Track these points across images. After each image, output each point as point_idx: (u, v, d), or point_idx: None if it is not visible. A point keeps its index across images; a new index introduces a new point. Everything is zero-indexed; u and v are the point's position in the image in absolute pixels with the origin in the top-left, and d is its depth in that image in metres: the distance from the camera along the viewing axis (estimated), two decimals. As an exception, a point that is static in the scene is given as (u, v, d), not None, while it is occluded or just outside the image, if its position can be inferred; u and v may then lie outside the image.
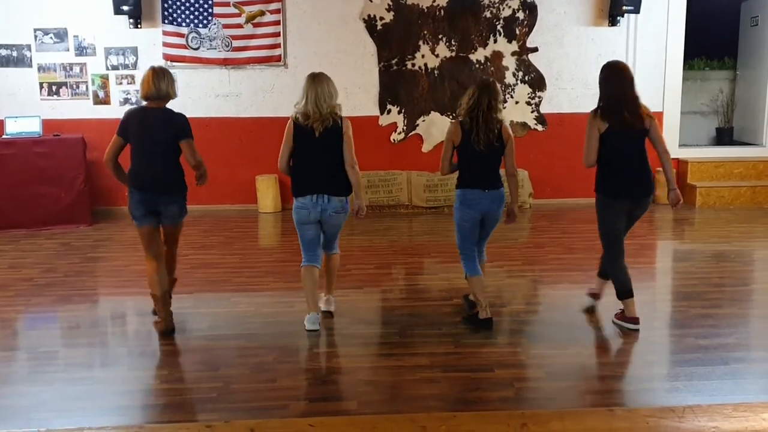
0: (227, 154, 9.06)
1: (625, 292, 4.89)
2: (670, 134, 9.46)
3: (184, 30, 8.78)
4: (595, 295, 5.26)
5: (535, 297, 5.80)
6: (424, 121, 9.20)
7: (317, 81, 4.76)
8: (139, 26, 8.71)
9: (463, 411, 3.65)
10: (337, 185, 4.79)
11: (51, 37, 8.74)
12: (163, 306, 4.86)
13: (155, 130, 4.73)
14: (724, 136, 10.28)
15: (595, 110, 4.78)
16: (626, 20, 9.14)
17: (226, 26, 8.83)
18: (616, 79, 4.78)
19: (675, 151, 9.51)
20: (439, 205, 8.98)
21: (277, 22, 8.88)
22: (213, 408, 3.80)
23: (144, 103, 4.86)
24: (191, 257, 6.86)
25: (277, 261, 6.90)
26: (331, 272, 5.19)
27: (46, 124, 8.41)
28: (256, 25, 8.86)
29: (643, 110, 4.78)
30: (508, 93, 9.18)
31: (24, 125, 8.16)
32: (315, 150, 4.73)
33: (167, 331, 4.84)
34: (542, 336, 4.88)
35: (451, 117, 9.19)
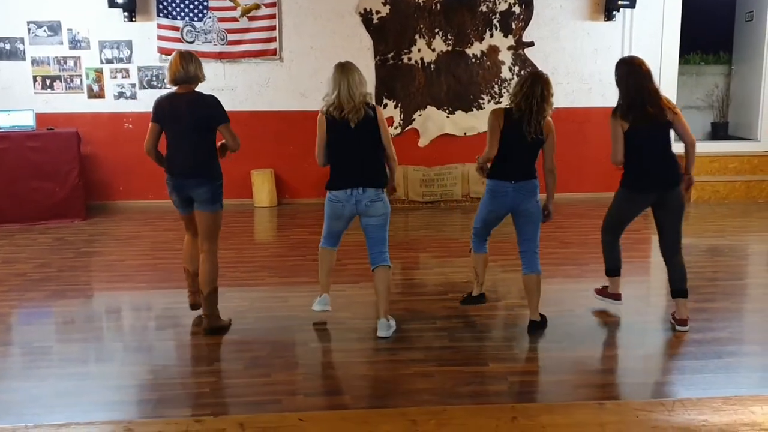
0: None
1: (614, 270, 5.09)
2: (666, 129, 9.46)
3: (179, 23, 8.75)
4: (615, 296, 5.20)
5: (522, 292, 5.79)
6: (420, 115, 9.18)
7: (347, 70, 4.58)
8: (133, 19, 8.67)
9: (457, 405, 3.66)
10: (373, 176, 4.62)
11: (45, 30, 8.70)
12: (191, 280, 4.96)
13: (185, 114, 4.61)
14: (719, 131, 10.29)
15: (616, 108, 4.75)
16: (622, 15, 9.13)
17: (221, 20, 8.80)
18: (634, 75, 4.72)
19: (670, 145, 9.52)
20: (436, 200, 8.98)
21: (272, 16, 8.85)
22: (206, 403, 3.80)
23: (174, 88, 4.71)
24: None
25: (272, 256, 6.90)
26: (381, 290, 4.69)
27: (40, 118, 8.37)
28: (251, 19, 8.84)
29: (665, 103, 4.77)
30: (504, 87, 9.17)
31: (17, 119, 8.13)
32: (351, 142, 4.55)
33: (206, 330, 4.72)
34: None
35: (446, 111, 9.19)
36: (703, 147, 9.78)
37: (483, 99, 9.17)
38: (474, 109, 9.16)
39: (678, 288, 4.78)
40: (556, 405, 3.15)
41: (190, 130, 4.62)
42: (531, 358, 4.49)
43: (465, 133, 9.15)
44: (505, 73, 9.16)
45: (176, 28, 8.75)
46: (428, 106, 9.17)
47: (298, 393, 3.95)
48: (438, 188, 9.01)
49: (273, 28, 8.87)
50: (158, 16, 8.71)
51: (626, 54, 9.13)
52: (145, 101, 8.59)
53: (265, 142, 9.01)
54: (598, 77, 9.15)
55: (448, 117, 9.17)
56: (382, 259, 4.71)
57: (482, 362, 4.30)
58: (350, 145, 4.57)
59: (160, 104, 4.71)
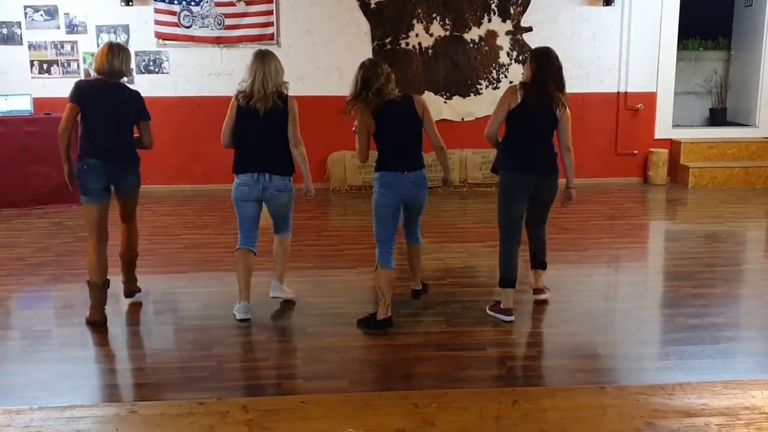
0: (220, 133, 9.00)
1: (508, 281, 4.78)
2: (664, 114, 9.47)
3: (176, 8, 8.70)
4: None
5: (527, 277, 5.80)
6: (417, 100, 9.15)
7: (266, 59, 4.68)
8: (130, 4, 8.61)
9: (455, 389, 3.67)
10: (279, 164, 4.71)
11: (41, 15, 8.64)
12: (100, 294, 4.67)
13: (117, 101, 4.72)
14: (717, 117, 10.28)
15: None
16: (621, 0, 9.10)
17: (218, 4, 8.74)
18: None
19: (668, 131, 9.53)
20: (433, 186, 8.93)
21: (269, 0, 8.80)
22: (206, 386, 3.81)
23: (97, 76, 4.80)
24: (184, 237, 6.85)
25: (270, 241, 6.87)
26: (280, 257, 4.98)
27: (37, 102, 8.33)
28: (248, 3, 8.78)
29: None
30: (502, 73, 9.14)
31: (15, 104, 8.08)
32: (258, 129, 4.65)
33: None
34: (534, 315, 4.90)
35: (444, 97, 9.16)
36: (701, 133, 9.83)
37: (481, 84, 9.15)
38: (472, 94, 9.14)
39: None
40: (557, 388, 3.16)
41: (124, 118, 4.75)
42: (529, 343, 4.50)
43: (463, 119, 9.13)
44: (503, 58, 9.13)
45: (173, 13, 8.70)
46: (426, 92, 9.13)
47: (298, 377, 3.97)
48: (435, 173, 8.98)
49: (270, 12, 8.82)
50: (155, 0, 8.65)
51: (625, 40, 9.14)
52: (143, 86, 8.53)
53: (262, 128, 8.97)
54: (597, 63, 9.13)
55: (445, 102, 9.15)
56: (285, 232, 4.97)
57: (480, 347, 4.32)
58: (257, 132, 4.67)
59: (86, 87, 4.78)
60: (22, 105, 8.10)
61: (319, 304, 5.00)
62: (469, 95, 9.14)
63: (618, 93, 9.32)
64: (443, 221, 7.67)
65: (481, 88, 9.14)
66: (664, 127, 9.50)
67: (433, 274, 5.72)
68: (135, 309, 5.06)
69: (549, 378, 3.93)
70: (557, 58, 4.67)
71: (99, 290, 4.66)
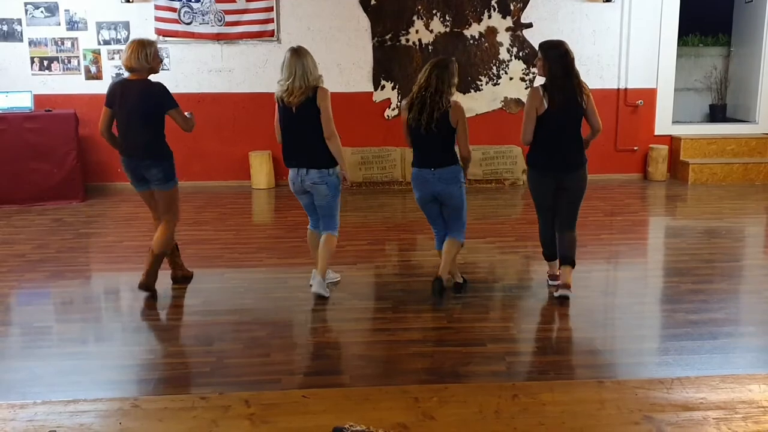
0: (220, 130, 9.03)
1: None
2: (664, 111, 9.48)
3: (177, 4, 8.70)
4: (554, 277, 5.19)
5: (527, 273, 5.83)
6: (417, 97, 9.15)
7: (301, 55, 4.76)
8: (131, 0, 8.62)
9: (456, 383, 3.69)
10: (315, 158, 4.84)
11: (42, 11, 8.65)
12: (149, 262, 5.06)
13: (134, 101, 4.88)
14: (717, 113, 10.29)
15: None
16: (621, -4, 9.11)
17: (218, 0, 8.74)
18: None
19: (668, 127, 9.54)
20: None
21: (270, -3, 8.81)
22: (206, 382, 3.83)
23: (126, 74, 5.01)
24: (184, 233, 6.85)
25: (270, 237, 6.91)
26: (321, 252, 5.04)
27: (38, 99, 8.35)
28: (249, 0, 8.79)
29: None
30: (503, 69, 9.15)
31: (15, 100, 8.10)
32: (293, 124, 4.82)
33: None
34: (534, 311, 4.92)
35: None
36: (701, 129, 9.84)
37: (481, 81, 9.16)
38: (472, 90, 9.15)
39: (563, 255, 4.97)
40: (556, 383, 3.18)
41: (141, 116, 4.90)
42: (528, 338, 4.52)
43: (463, 115, 9.14)
44: (503, 54, 9.14)
45: (173, 9, 8.70)
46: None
47: (298, 372, 3.98)
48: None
49: (271, 9, 8.82)
50: (155, -4, 8.66)
51: (625, 36, 9.14)
52: (143, 82, 8.57)
53: (263, 124, 8.97)
54: (597, 59, 9.14)
55: (446, 99, 9.14)
56: (328, 228, 5.07)
57: (480, 343, 4.33)
58: (293, 127, 4.84)
59: (113, 90, 5.00)
60: (23, 102, 8.11)
61: (320, 300, 5.01)
62: (470, 92, 9.14)
63: (618, 89, 9.32)
64: (443, 217, 7.67)
65: (482, 85, 9.15)
66: (663, 124, 9.51)
67: (433, 270, 5.72)
68: (135, 305, 5.07)
69: (548, 373, 3.94)
70: (568, 49, 4.71)
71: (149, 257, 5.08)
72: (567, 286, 4.91)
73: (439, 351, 4.19)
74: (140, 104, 4.87)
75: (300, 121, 4.79)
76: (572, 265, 4.94)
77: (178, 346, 4.44)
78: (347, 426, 2.21)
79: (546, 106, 4.70)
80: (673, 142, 9.48)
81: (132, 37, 8.62)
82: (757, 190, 8.78)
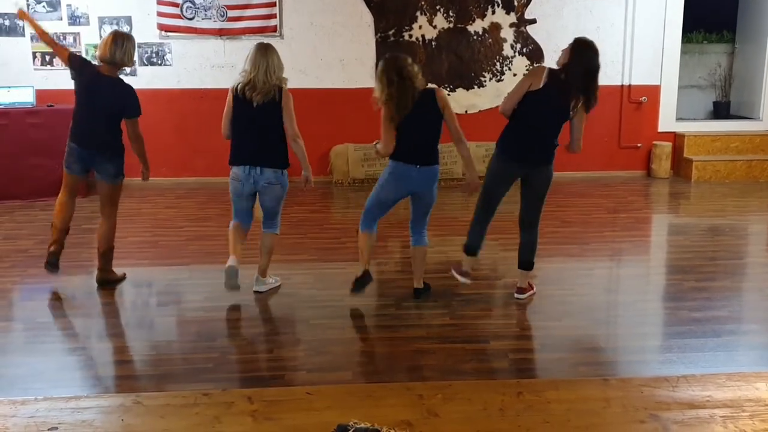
0: (222, 126, 8.99)
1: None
2: (667, 108, 9.44)
3: (179, -1, 8.68)
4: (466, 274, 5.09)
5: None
6: (420, 93, 9.13)
7: (269, 52, 4.70)
8: (132, -5, 8.61)
9: (459, 381, 3.68)
10: (272, 157, 4.77)
11: (44, 6, 8.63)
12: (59, 238, 5.22)
13: (102, 95, 4.88)
14: (721, 110, 10.25)
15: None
16: (625, -8, 9.07)
17: (221, -4, 8.73)
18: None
19: (672, 124, 9.50)
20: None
21: (272, -8, 8.79)
22: (209, 378, 3.82)
23: (99, 63, 4.99)
24: (187, 229, 6.85)
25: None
26: (265, 252, 5.05)
27: (40, 94, 8.33)
28: (251, -5, 8.77)
29: None
30: (506, 65, 9.12)
31: (17, 95, 8.09)
32: (252, 121, 4.71)
33: (99, 281, 5.20)
34: (537, 308, 4.91)
35: (447, 89, 9.14)
36: (704, 126, 9.81)
37: (484, 77, 9.13)
38: (475, 86, 9.12)
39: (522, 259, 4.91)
40: (561, 380, 3.17)
41: (106, 112, 4.90)
42: (531, 336, 4.51)
43: (466, 111, 9.10)
44: (507, 50, 9.11)
45: (176, 4, 8.67)
46: (429, 84, 9.10)
47: (301, 369, 3.97)
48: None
49: (273, 4, 8.79)
50: (158, -9, 8.63)
51: (629, 33, 9.11)
52: (145, 78, 8.55)
53: (265, 120, 8.98)
54: (601, 55, 9.07)
55: (449, 95, 9.11)
56: (273, 228, 5.06)
57: (483, 340, 4.33)
58: (250, 124, 4.72)
59: (85, 67, 5.02)
60: (25, 97, 8.10)
61: (322, 296, 5.01)
62: (473, 87, 9.12)
63: (622, 86, 9.29)
64: (445, 214, 7.66)
65: (485, 81, 9.12)
66: (667, 120, 9.48)
67: (435, 267, 5.72)
68: (138, 301, 5.07)
69: (552, 371, 3.94)
70: (597, 55, 4.64)
71: (57, 231, 5.28)
72: (525, 289, 4.96)
73: (442, 348, 4.18)
74: (109, 102, 4.89)
75: (260, 118, 4.69)
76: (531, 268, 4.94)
77: (180, 342, 4.42)
78: (351, 423, 2.19)
79: (540, 85, 4.52)
80: (676, 139, 9.44)
81: (135, 32, 8.68)
82: (761, 188, 8.75)
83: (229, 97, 4.76)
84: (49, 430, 2.28)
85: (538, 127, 4.63)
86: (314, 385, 3.68)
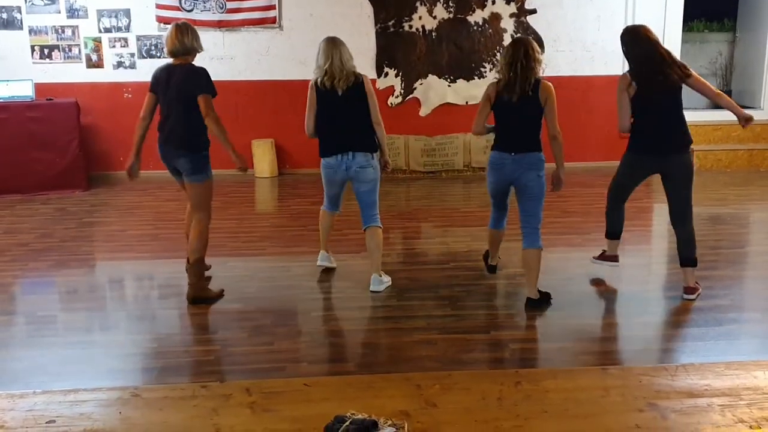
0: (222, 118, 8.95)
1: (613, 233, 5.19)
2: (669, 97, 9.40)
3: (178, -8, 8.65)
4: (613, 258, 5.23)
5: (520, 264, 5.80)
6: (421, 84, 9.11)
7: (338, 43, 4.81)
8: (131, -12, 8.58)
9: (458, 371, 3.68)
10: (361, 142, 4.84)
11: None
12: (189, 270, 4.80)
13: (176, 85, 4.71)
14: (722, 99, 10.21)
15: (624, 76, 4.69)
16: (626, -19, 9.03)
17: (219, -12, 8.70)
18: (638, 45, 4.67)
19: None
20: (437, 170, 8.94)
21: (271, -17, 8.75)
22: (210, 370, 3.83)
23: (170, 60, 4.82)
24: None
25: (273, 226, 6.89)
26: (374, 248, 4.95)
27: (39, 87, 8.32)
28: (250, -13, 8.74)
29: (675, 70, 4.62)
30: (506, 55, 9.08)
31: (16, 89, 8.07)
32: (339, 109, 4.78)
33: (189, 299, 4.74)
34: (538, 298, 4.89)
35: (448, 80, 9.12)
36: (706, 115, 9.75)
37: (485, 67, 9.09)
38: (476, 77, 9.09)
39: (683, 256, 4.78)
40: (559, 370, 3.17)
41: (177, 102, 4.71)
42: (532, 326, 4.50)
43: (467, 102, 9.08)
44: (507, 41, 9.06)
45: (175, -4, 8.65)
46: (429, 75, 9.09)
47: (302, 360, 3.97)
48: (439, 158, 8.97)
49: (272, -5, 8.76)
50: (156, -17, 8.61)
51: (629, 22, 9.05)
52: (145, 70, 8.52)
53: (265, 112, 8.96)
54: (601, 45, 9.06)
55: (449, 86, 9.10)
56: (374, 221, 4.96)
57: (484, 330, 4.32)
58: (338, 112, 4.78)
59: (158, 75, 4.82)
60: (24, 90, 8.08)
61: (323, 288, 5.00)
62: (473, 78, 9.08)
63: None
64: (447, 205, 7.65)
65: (485, 71, 9.08)
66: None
67: (437, 258, 5.72)
68: (139, 294, 5.07)
69: (552, 360, 3.93)
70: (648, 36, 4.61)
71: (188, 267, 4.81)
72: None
73: (443, 338, 4.18)
74: (180, 89, 4.68)
75: (347, 105, 4.76)
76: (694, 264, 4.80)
77: (181, 334, 4.43)
78: (348, 414, 2.19)
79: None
80: (678, 128, 9.41)
81: (133, 25, 8.68)
82: (762, 176, 8.72)
83: (311, 93, 4.82)
84: (47, 423, 2.28)
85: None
86: (316, 376, 3.68)
